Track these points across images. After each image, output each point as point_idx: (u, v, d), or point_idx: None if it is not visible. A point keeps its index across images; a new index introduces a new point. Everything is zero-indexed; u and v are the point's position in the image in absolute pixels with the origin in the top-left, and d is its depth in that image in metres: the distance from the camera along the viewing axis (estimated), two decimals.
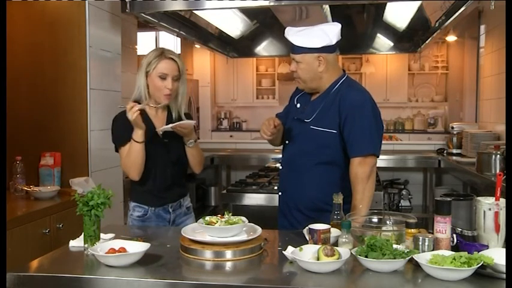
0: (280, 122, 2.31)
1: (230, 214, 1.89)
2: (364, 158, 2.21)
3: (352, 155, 2.23)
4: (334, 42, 2.25)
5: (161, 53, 2.29)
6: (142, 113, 2.26)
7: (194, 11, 3.34)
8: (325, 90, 2.32)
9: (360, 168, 2.20)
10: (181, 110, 2.40)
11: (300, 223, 2.25)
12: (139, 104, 2.25)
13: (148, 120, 2.31)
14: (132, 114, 2.16)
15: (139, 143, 2.22)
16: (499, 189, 1.80)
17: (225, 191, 3.81)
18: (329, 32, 2.25)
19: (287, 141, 2.41)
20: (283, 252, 1.68)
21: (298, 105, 2.42)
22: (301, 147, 2.33)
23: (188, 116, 2.43)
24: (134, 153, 2.24)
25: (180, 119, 2.37)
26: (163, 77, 2.27)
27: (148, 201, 2.35)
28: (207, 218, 1.87)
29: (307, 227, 1.84)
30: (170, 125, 2.24)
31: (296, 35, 2.26)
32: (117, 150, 2.36)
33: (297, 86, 2.42)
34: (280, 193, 2.46)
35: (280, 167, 2.50)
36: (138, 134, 2.21)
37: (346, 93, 2.27)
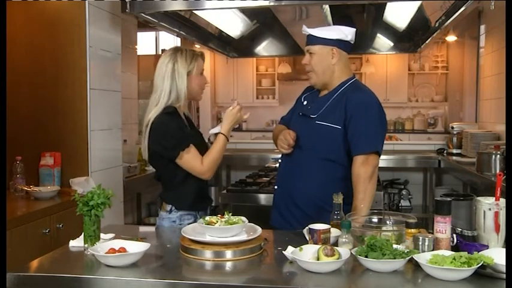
0: (294, 133, 2.34)
1: (230, 214, 1.89)
2: (366, 157, 2.23)
3: (355, 153, 2.24)
4: (348, 38, 2.34)
5: (193, 52, 2.34)
6: (180, 117, 2.29)
7: (194, 11, 3.34)
8: (333, 89, 2.36)
9: (362, 168, 2.21)
10: (185, 111, 2.42)
11: (296, 219, 2.27)
12: (176, 109, 2.27)
13: (183, 121, 2.32)
14: (244, 116, 2.34)
15: (228, 139, 2.30)
16: (499, 189, 1.80)
17: (225, 191, 3.81)
18: (344, 29, 2.35)
19: None
20: (283, 252, 1.68)
21: (305, 102, 2.46)
22: (304, 142, 2.34)
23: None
24: (222, 151, 2.29)
25: (189, 119, 2.42)
26: (202, 73, 2.35)
27: (198, 205, 2.34)
28: (207, 218, 1.87)
29: (307, 227, 1.85)
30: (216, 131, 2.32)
31: (313, 28, 2.36)
32: (175, 157, 2.20)
33: (308, 81, 2.45)
34: (276, 187, 2.47)
35: (280, 161, 2.51)
36: (230, 132, 2.30)
37: (353, 94, 2.31)
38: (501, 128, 4.47)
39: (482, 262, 1.50)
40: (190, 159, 2.22)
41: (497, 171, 3.41)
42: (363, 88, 2.41)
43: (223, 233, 1.79)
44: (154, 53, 6.86)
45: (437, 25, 3.80)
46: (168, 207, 2.32)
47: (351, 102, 2.28)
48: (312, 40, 2.34)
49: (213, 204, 2.46)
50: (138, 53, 4.57)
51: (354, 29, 2.37)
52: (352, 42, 2.37)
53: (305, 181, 2.32)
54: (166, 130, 2.22)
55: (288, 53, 5.30)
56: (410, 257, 1.58)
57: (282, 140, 2.34)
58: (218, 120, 8.77)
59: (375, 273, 1.57)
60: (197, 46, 5.08)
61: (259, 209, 3.64)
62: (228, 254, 1.73)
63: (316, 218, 1.99)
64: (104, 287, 1.58)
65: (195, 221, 2.29)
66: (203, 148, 2.31)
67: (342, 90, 2.34)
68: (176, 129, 2.23)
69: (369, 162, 2.22)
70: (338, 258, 1.58)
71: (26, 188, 2.90)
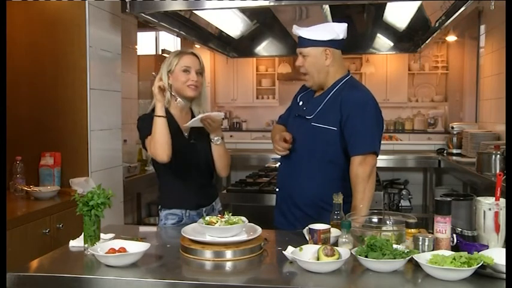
0: (290, 135, 2.33)
1: (230, 214, 1.89)
2: (364, 157, 2.22)
3: (353, 153, 2.24)
4: (341, 37, 2.30)
5: (181, 51, 2.34)
6: (167, 114, 2.26)
7: (194, 11, 3.34)
8: (328, 88, 2.34)
9: (360, 168, 2.21)
10: (201, 111, 2.40)
11: (298, 220, 2.26)
12: (166, 109, 2.25)
13: (174, 122, 2.31)
14: (156, 87, 2.18)
15: (160, 117, 2.17)
16: (499, 189, 1.80)
17: (225, 191, 3.81)
18: (336, 28, 2.30)
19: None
20: (283, 252, 1.68)
21: (301, 103, 2.43)
22: (302, 144, 2.34)
23: None
24: (158, 129, 2.16)
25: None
26: (186, 70, 2.29)
27: (183, 204, 2.32)
28: (207, 218, 1.87)
29: (307, 227, 1.85)
30: (199, 116, 2.20)
31: (303, 29, 2.31)
32: (144, 145, 2.30)
33: (304, 84, 2.42)
34: (277, 189, 2.47)
35: (279, 163, 2.50)
36: (158, 107, 2.18)
37: (349, 93, 2.29)
38: (501, 128, 4.47)
39: (482, 262, 1.50)
40: (148, 145, 2.24)
41: (497, 171, 3.41)
42: (358, 86, 2.38)
43: (223, 233, 1.79)
44: (154, 53, 6.85)
45: (437, 25, 3.80)
46: (160, 205, 2.37)
47: (346, 102, 2.25)
48: (304, 42, 2.30)
49: (206, 208, 2.39)
50: (138, 53, 4.57)
51: (346, 25, 2.32)
52: (344, 38, 2.32)
53: (304, 182, 2.32)
54: (141, 119, 2.32)
55: (288, 53, 5.31)
56: (410, 257, 1.58)
57: (278, 143, 2.33)
58: None
59: (375, 273, 1.57)
60: (197, 46, 5.08)
61: (259, 209, 3.64)
62: (228, 254, 1.73)
63: (317, 218, 1.99)
64: (104, 287, 1.58)
65: (179, 221, 2.31)
66: (187, 146, 2.30)
67: (337, 89, 2.32)
68: (146, 122, 2.25)
69: (366, 162, 2.22)
70: (338, 258, 1.58)
71: (26, 188, 2.90)
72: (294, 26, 2.34)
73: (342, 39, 2.32)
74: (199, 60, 2.34)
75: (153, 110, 2.26)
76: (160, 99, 2.19)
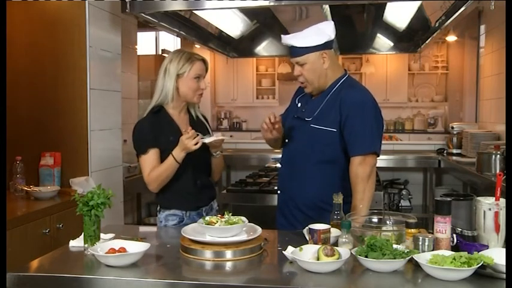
0: (280, 118, 2.32)
1: (230, 214, 1.89)
2: (364, 157, 2.22)
3: (353, 153, 2.23)
4: (332, 37, 2.28)
5: (192, 56, 2.33)
6: (166, 116, 2.31)
7: (194, 11, 3.35)
8: (327, 89, 2.33)
9: (360, 168, 2.20)
10: (197, 111, 2.45)
11: (299, 222, 2.26)
12: (163, 107, 2.31)
13: (173, 123, 2.32)
14: (193, 145, 2.16)
15: (178, 163, 2.22)
16: (499, 189, 1.80)
17: (225, 191, 3.81)
18: (325, 29, 2.28)
19: (287, 140, 2.41)
20: (283, 252, 1.68)
21: (299, 105, 2.42)
22: (301, 146, 2.33)
23: (205, 118, 2.50)
24: (168, 171, 2.24)
25: (198, 119, 2.43)
26: (198, 78, 2.32)
27: (184, 205, 2.34)
28: (207, 218, 1.87)
29: (307, 227, 1.85)
30: (207, 141, 2.23)
31: (295, 38, 2.27)
32: (137, 156, 2.34)
33: (306, 91, 2.38)
34: (279, 192, 2.47)
35: (280, 166, 2.50)
36: (181, 156, 2.21)
37: (348, 93, 2.28)
38: (501, 128, 4.47)
39: (482, 262, 1.50)
40: (142, 166, 2.31)
41: (497, 171, 3.41)
42: (356, 86, 2.37)
43: (223, 233, 1.79)
44: (154, 53, 6.85)
45: (437, 25, 3.81)
46: (158, 207, 2.39)
47: (345, 102, 2.24)
48: (299, 51, 2.25)
49: (205, 208, 2.43)
50: (138, 53, 4.57)
51: (333, 24, 2.30)
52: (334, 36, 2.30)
53: (304, 184, 2.31)
54: (136, 130, 2.33)
55: (288, 53, 5.28)
56: (410, 257, 1.59)
57: (264, 125, 2.30)
58: (218, 120, 8.78)
59: (375, 273, 1.57)
60: (197, 46, 5.09)
61: (259, 209, 3.64)
62: (228, 254, 1.73)
63: (317, 219, 1.99)
64: (104, 287, 1.58)
65: (180, 222, 2.32)
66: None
67: (335, 89, 2.30)
68: (146, 130, 2.28)
69: (366, 162, 2.21)
70: (338, 258, 1.58)
71: (26, 188, 2.90)
72: (284, 37, 2.30)
73: (333, 38, 2.30)
74: (206, 66, 2.37)
75: (154, 113, 2.30)
76: (191, 150, 2.19)
